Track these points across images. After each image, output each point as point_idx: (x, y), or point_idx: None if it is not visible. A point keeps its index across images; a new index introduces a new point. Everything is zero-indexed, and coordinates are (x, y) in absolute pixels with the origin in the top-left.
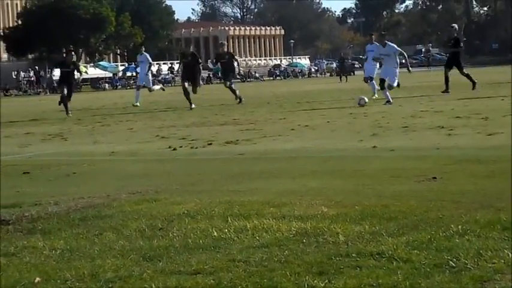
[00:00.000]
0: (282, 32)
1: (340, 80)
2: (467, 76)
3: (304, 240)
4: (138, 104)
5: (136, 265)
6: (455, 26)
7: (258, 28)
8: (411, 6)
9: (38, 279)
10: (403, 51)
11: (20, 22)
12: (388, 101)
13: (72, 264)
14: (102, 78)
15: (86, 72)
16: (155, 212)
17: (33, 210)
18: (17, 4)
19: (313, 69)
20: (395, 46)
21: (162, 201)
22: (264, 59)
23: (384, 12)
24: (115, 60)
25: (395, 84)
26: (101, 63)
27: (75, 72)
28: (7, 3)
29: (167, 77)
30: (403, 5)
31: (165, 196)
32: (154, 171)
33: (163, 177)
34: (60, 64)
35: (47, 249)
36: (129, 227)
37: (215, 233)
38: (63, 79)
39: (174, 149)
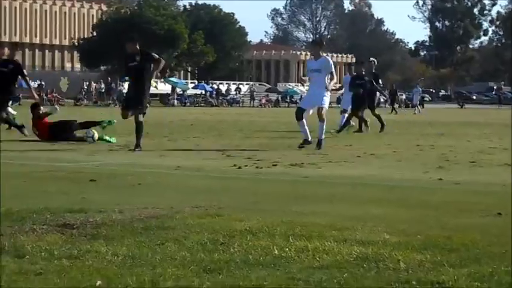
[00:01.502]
0: (354, 59)
1: (391, 111)
2: None
3: (365, 265)
4: None
5: (196, 276)
6: None
7: (329, 54)
8: (486, 43)
9: (99, 282)
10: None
11: (94, 33)
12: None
13: (133, 270)
14: (171, 94)
15: (155, 87)
16: (217, 226)
17: (98, 216)
18: (93, 15)
19: (382, 99)
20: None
21: (225, 217)
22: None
23: (458, 47)
24: (185, 77)
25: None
26: (171, 79)
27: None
28: (83, 14)
29: (235, 97)
30: (478, 41)
31: (227, 212)
32: (218, 187)
33: (227, 194)
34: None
35: (109, 254)
36: (191, 239)
37: (276, 251)
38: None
39: (239, 168)
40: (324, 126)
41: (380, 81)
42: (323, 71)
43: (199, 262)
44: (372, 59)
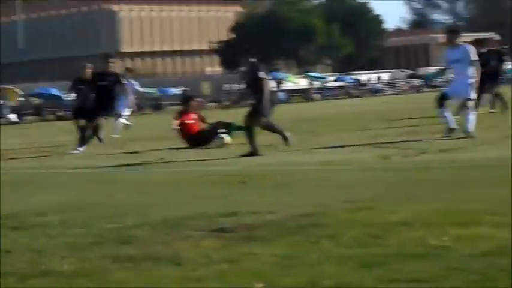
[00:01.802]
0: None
1: None
2: None
3: None
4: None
5: (354, 272)
6: None
7: (469, 34)
8: None
9: (258, 285)
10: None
11: (232, 36)
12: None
13: (291, 271)
14: (313, 89)
15: (296, 83)
16: (371, 220)
17: (251, 218)
18: (229, 18)
19: None
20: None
21: (377, 210)
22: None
23: None
24: (325, 71)
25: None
26: (311, 74)
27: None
28: (220, 17)
29: (376, 86)
30: None
31: (380, 205)
32: (367, 180)
33: (377, 186)
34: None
35: (266, 256)
36: (346, 235)
37: (432, 241)
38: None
39: (387, 158)
40: (474, 118)
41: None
42: (464, 60)
43: (356, 258)
44: None
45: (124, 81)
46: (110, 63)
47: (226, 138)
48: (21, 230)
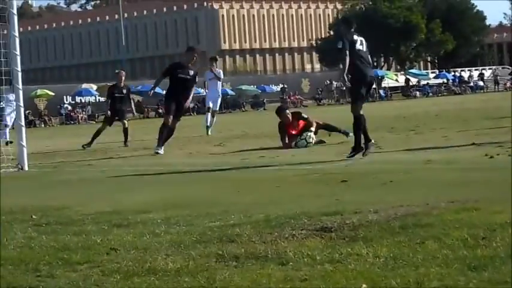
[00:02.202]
0: None
1: None
2: None
3: None
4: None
5: (461, 275)
6: None
7: None
8: None
9: (364, 286)
10: None
11: (331, 33)
12: None
13: (396, 272)
14: (413, 86)
15: (396, 80)
16: (476, 221)
17: (354, 218)
18: (328, 15)
19: None
20: None
21: (483, 210)
22: None
23: None
24: (425, 68)
25: None
26: (411, 70)
27: None
28: (319, 14)
29: (478, 83)
30: None
31: (485, 205)
32: (471, 179)
33: (482, 186)
34: None
35: (370, 256)
36: (451, 235)
37: None
38: None
39: (491, 157)
40: None
41: None
42: None
43: (463, 259)
44: None
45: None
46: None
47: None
48: (125, 227)
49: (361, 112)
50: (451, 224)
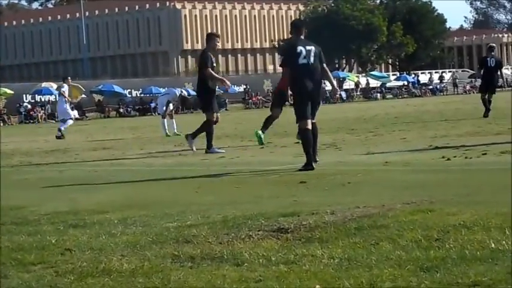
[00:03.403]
0: None
1: None
2: None
3: None
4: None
5: (413, 275)
6: None
7: None
8: None
9: (318, 286)
10: None
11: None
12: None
13: (350, 273)
14: (373, 88)
15: (357, 82)
16: (431, 222)
17: (311, 219)
18: (291, 16)
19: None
20: None
21: (437, 212)
22: None
23: None
24: (386, 70)
25: None
26: (372, 73)
27: None
28: (281, 16)
29: (438, 85)
30: None
31: (440, 206)
32: (428, 181)
33: (438, 188)
34: None
35: (325, 257)
36: (405, 237)
37: (493, 245)
38: None
39: (448, 159)
40: None
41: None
42: None
43: (415, 261)
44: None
45: None
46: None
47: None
48: (81, 228)
49: (308, 126)
50: (405, 225)
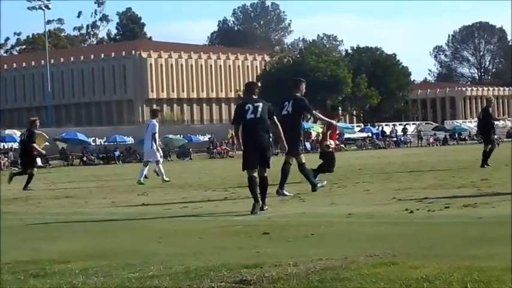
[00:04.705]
0: None
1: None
2: None
3: None
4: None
5: None
6: None
7: (495, 88)
8: None
9: None
10: None
11: (259, 84)
12: None
13: None
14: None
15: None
16: (393, 275)
17: (274, 270)
18: (256, 66)
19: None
20: None
21: (400, 265)
22: (503, 120)
23: None
24: (351, 121)
25: None
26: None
27: None
28: (247, 66)
29: (402, 137)
30: None
31: (402, 260)
32: (391, 234)
33: (401, 241)
34: None
35: None
36: None
37: None
38: None
39: (411, 212)
40: None
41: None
42: None
43: None
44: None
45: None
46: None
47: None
48: (42, 277)
49: (254, 174)
50: (368, 278)
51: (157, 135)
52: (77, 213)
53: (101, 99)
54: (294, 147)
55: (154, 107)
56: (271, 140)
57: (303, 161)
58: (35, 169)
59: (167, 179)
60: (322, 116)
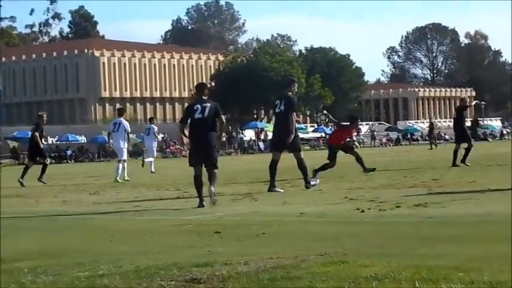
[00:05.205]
0: (473, 93)
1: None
2: None
3: None
4: (119, 179)
5: None
6: None
7: (448, 89)
8: None
9: None
10: None
11: (213, 84)
12: None
13: None
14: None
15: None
16: (343, 274)
17: (224, 269)
18: (210, 66)
19: (504, 131)
20: None
21: (350, 264)
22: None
23: None
24: (304, 122)
25: None
26: None
27: None
28: (201, 66)
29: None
30: None
31: (352, 258)
32: (342, 233)
33: (352, 239)
34: None
35: None
36: None
37: None
38: None
39: (362, 211)
40: None
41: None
42: None
43: None
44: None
45: None
46: None
47: None
48: None
49: (198, 173)
50: (318, 276)
51: (128, 134)
52: (27, 212)
53: (53, 98)
54: (287, 143)
55: (118, 106)
56: (220, 139)
57: (302, 157)
58: (47, 159)
59: (125, 179)
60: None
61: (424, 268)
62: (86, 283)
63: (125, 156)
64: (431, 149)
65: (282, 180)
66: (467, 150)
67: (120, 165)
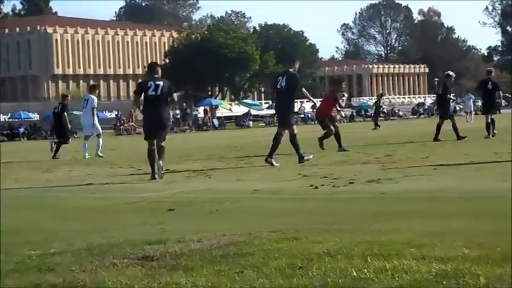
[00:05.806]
0: (427, 70)
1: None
2: None
3: (444, 282)
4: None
5: None
6: None
7: (401, 66)
8: None
9: None
10: None
11: (167, 61)
12: None
13: None
14: (246, 116)
15: (230, 109)
16: (295, 250)
17: (177, 246)
18: (164, 43)
19: (458, 108)
20: None
21: (303, 240)
22: (408, 97)
23: None
24: (259, 98)
25: None
26: (245, 100)
27: None
28: (155, 43)
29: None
30: None
31: (305, 235)
32: (295, 209)
33: (304, 216)
34: None
35: (189, 285)
36: (270, 265)
37: (354, 273)
38: None
39: (316, 188)
40: None
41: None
42: None
43: None
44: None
45: None
46: None
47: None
48: None
49: (153, 147)
50: (270, 253)
51: (95, 110)
52: None
53: (5, 75)
54: (287, 119)
55: (92, 82)
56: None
57: (295, 133)
58: (69, 139)
59: (102, 154)
60: (308, 95)
61: (376, 244)
62: (37, 261)
63: (94, 131)
64: (375, 129)
65: (238, 157)
66: (440, 126)
67: (86, 142)
